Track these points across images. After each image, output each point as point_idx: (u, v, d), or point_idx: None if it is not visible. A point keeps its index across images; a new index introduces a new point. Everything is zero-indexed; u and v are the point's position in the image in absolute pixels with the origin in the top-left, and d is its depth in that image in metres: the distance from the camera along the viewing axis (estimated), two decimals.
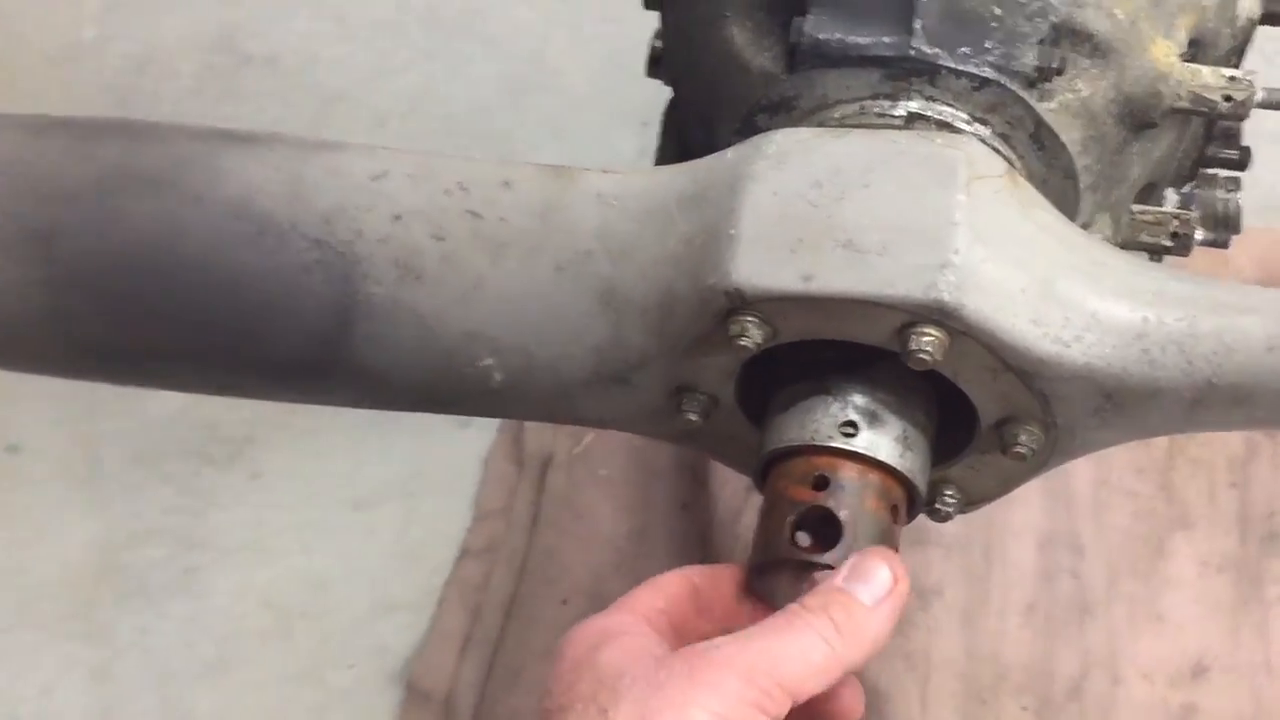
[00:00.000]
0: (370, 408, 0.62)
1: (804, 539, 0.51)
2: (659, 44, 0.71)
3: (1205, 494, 0.99)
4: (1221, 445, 1.00)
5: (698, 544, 1.01)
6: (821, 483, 0.51)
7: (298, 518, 1.14)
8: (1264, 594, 0.94)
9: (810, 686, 0.47)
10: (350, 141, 0.58)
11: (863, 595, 0.49)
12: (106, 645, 1.07)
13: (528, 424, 1.10)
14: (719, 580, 0.53)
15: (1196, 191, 0.66)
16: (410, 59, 1.41)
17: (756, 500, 0.98)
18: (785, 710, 0.46)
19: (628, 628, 0.49)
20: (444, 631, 1.00)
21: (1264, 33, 0.64)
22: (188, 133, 0.58)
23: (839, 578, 0.49)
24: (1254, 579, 0.95)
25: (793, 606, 0.49)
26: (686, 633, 0.51)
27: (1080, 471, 1.00)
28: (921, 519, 0.94)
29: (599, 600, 0.99)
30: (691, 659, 0.46)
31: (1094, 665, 0.92)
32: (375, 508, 1.14)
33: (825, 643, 0.47)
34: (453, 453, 1.13)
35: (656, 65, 0.71)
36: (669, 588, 0.52)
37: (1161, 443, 1.01)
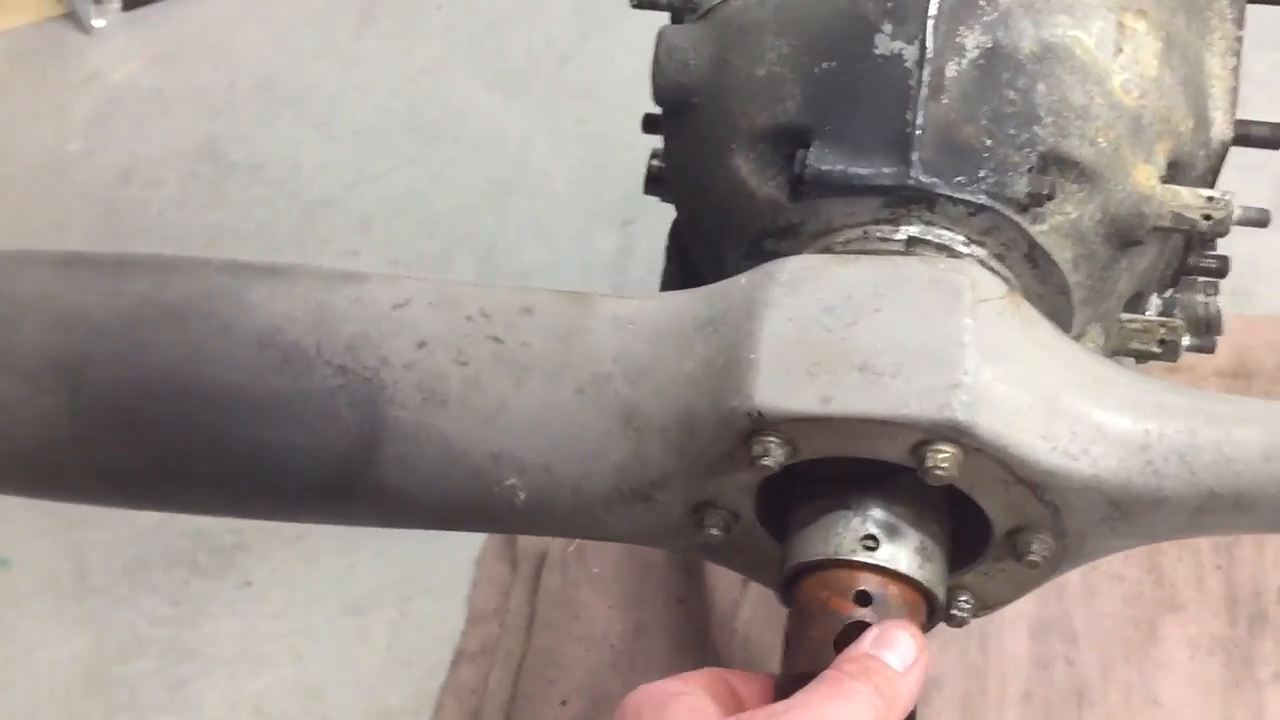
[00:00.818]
0: (394, 527, 0.64)
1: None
2: (657, 163, 0.74)
3: (1193, 577, 1.01)
4: None
5: (695, 639, 1.02)
6: (864, 598, 0.53)
7: (289, 625, 1.13)
8: (1256, 675, 0.96)
9: None
10: (372, 272, 0.60)
11: (893, 661, 0.51)
12: None
13: None
14: (752, 682, 0.55)
15: (1178, 296, 0.69)
16: (393, 163, 1.44)
17: (752, 594, 0.99)
18: None
19: (688, 690, 0.51)
20: None
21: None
22: (214, 265, 0.60)
23: (865, 644, 0.51)
24: (1245, 660, 0.96)
25: (833, 673, 0.50)
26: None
27: None
28: None
29: (598, 700, 0.99)
30: (758, 718, 0.48)
31: None
32: (368, 613, 1.13)
33: (872, 706, 0.49)
34: (445, 554, 1.13)
35: (654, 184, 0.74)
36: (705, 675, 0.54)
37: None
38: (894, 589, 0.53)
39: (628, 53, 1.39)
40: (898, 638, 0.52)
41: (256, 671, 1.11)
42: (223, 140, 1.47)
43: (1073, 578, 1.01)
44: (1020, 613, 0.99)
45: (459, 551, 1.13)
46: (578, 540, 1.08)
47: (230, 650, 1.12)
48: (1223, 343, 1.11)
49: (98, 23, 1.54)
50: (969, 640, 0.98)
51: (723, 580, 1.01)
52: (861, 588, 0.52)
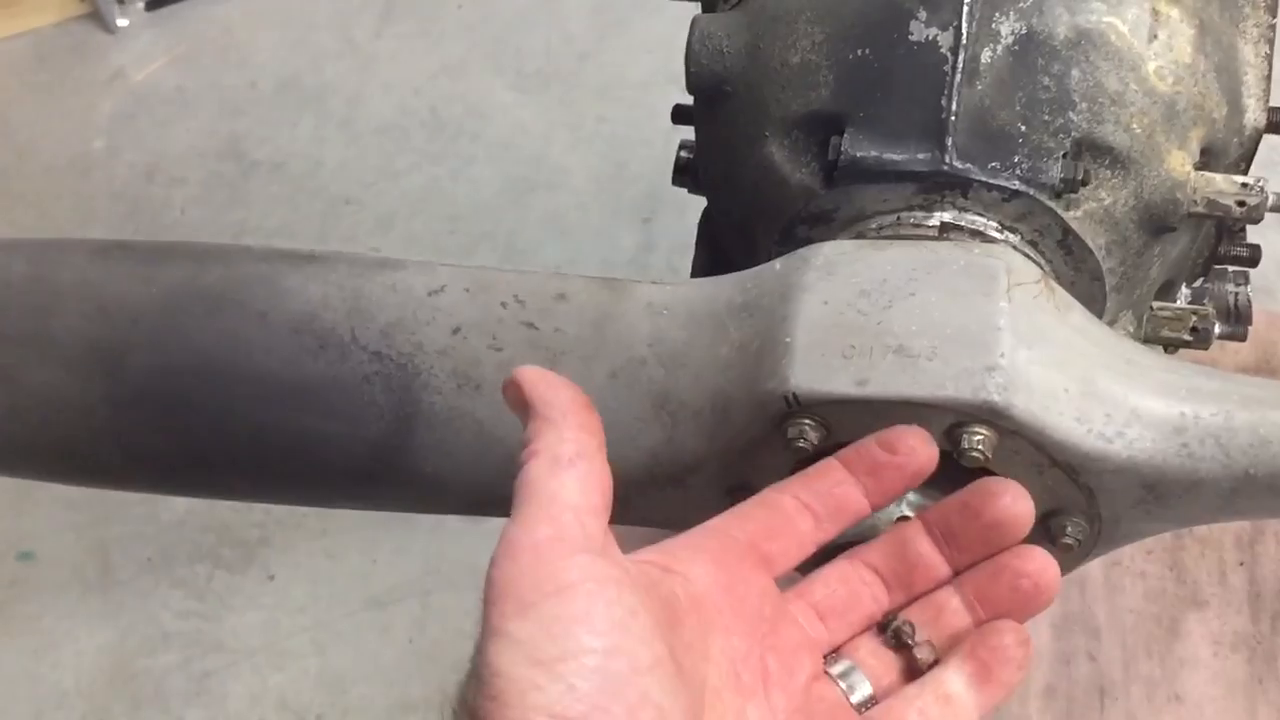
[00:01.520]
0: (425, 512, 0.64)
1: None
2: (685, 154, 0.74)
3: (1215, 573, 1.01)
4: (1229, 524, 1.03)
5: None
6: None
7: (312, 618, 1.14)
8: (1279, 671, 0.96)
9: None
10: (408, 259, 0.60)
11: None
12: None
13: None
14: None
15: (1207, 286, 0.69)
16: (414, 162, 1.45)
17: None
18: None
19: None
20: None
21: None
22: (251, 253, 0.60)
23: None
24: (1268, 657, 0.96)
25: None
26: None
27: None
28: None
29: None
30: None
31: None
32: (391, 606, 1.14)
33: None
34: (468, 548, 1.14)
35: (682, 174, 0.74)
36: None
37: None
38: None
39: (647, 51, 1.39)
40: None
41: (280, 664, 1.12)
42: (245, 139, 1.48)
43: (1095, 574, 1.01)
44: None
45: (480, 545, 1.13)
46: None
47: (254, 643, 1.13)
48: (1247, 341, 1.12)
49: (121, 22, 1.56)
50: None
51: None
52: None
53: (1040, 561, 0.49)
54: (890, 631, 0.49)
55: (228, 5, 1.58)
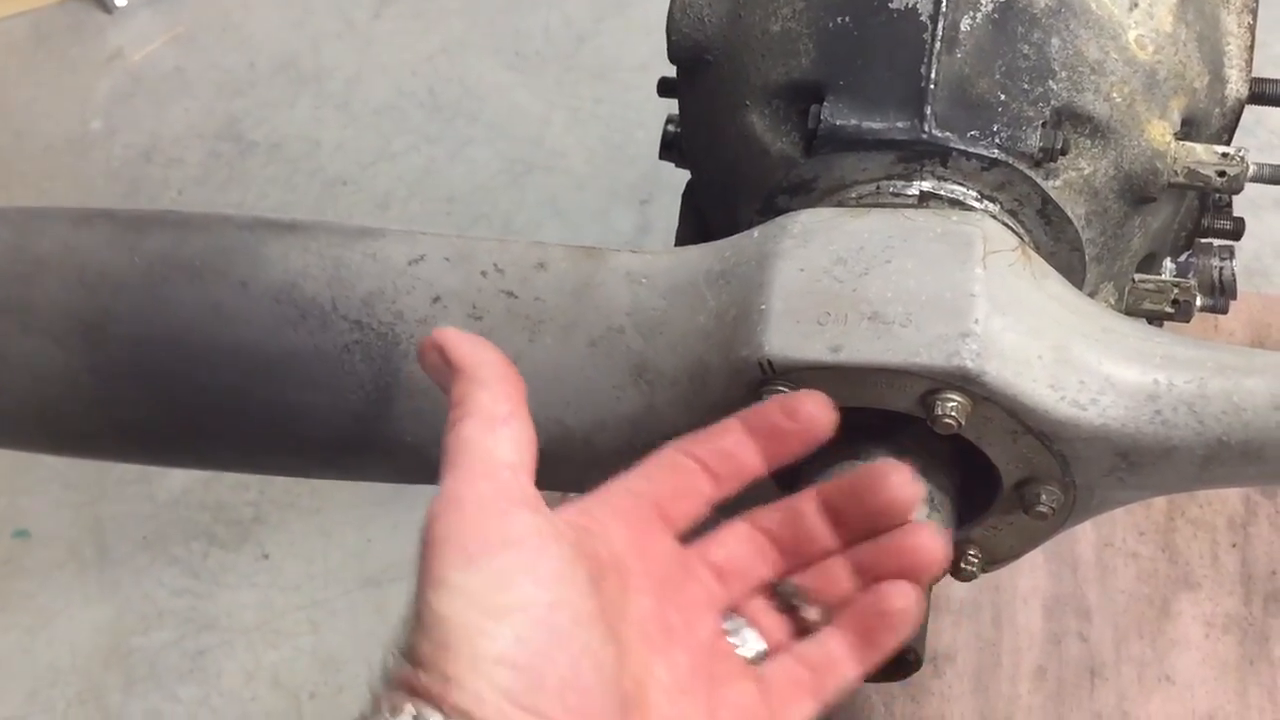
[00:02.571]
0: (407, 482, 0.64)
1: None
2: (672, 128, 0.74)
3: (1207, 555, 1.01)
4: (1221, 505, 1.02)
5: None
6: None
7: (307, 597, 1.14)
8: (1271, 653, 0.95)
9: None
10: (388, 228, 0.60)
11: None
12: None
13: None
14: None
15: (1192, 260, 0.69)
16: (411, 143, 1.45)
17: None
18: None
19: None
20: None
21: None
22: (233, 222, 0.60)
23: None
24: (1260, 638, 0.96)
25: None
26: None
27: (1083, 535, 1.02)
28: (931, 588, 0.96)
29: None
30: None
31: None
32: (385, 585, 1.14)
33: None
34: None
35: (669, 149, 0.74)
36: None
37: (1161, 504, 1.03)
38: None
39: (645, 33, 1.39)
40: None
41: (274, 642, 1.12)
42: (243, 119, 1.48)
43: (1087, 554, 1.01)
44: (1034, 588, 0.99)
45: None
46: None
47: (248, 621, 1.13)
48: (1240, 321, 1.11)
49: (120, 2, 1.56)
50: (982, 614, 0.98)
51: None
52: None
53: (925, 536, 0.48)
54: (781, 594, 0.49)
55: None
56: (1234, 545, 1.01)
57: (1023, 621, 0.98)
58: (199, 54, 1.52)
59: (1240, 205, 1.18)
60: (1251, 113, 1.33)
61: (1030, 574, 0.99)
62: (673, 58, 0.64)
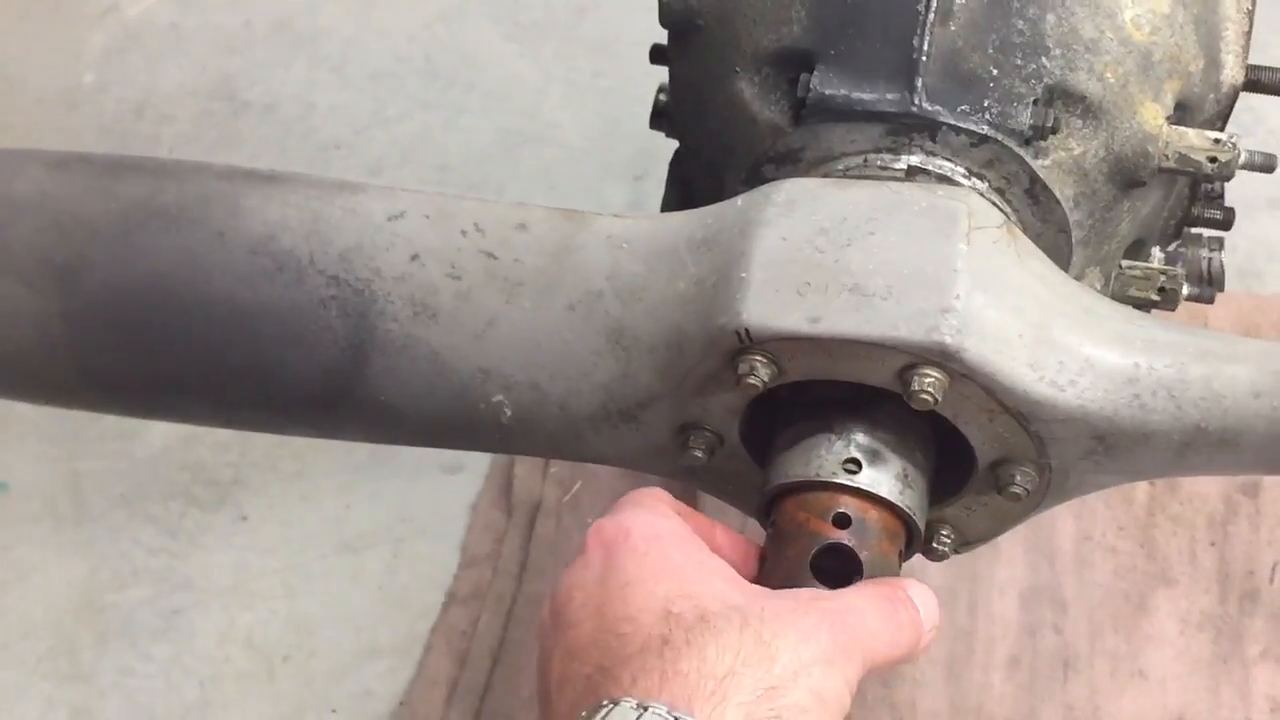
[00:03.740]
0: (380, 441, 0.63)
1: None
2: (663, 97, 0.73)
3: (1186, 552, 1.00)
4: (1201, 503, 1.02)
5: None
6: (844, 520, 0.52)
7: (283, 560, 1.13)
8: (1244, 652, 0.95)
9: (882, 661, 0.49)
10: (369, 183, 0.60)
11: (925, 620, 0.51)
12: (89, 686, 1.06)
13: (516, 472, 1.11)
14: (732, 540, 0.54)
15: (1181, 250, 0.68)
16: (407, 109, 1.44)
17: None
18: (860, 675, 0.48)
19: (699, 542, 0.50)
20: (430, 678, 1.00)
21: None
22: (211, 171, 0.60)
23: (911, 591, 0.51)
24: (1234, 637, 0.96)
25: (894, 595, 0.50)
26: None
27: (1063, 527, 1.01)
28: (906, 573, 0.96)
29: None
30: (826, 615, 0.47)
31: None
32: (362, 552, 1.14)
33: (910, 642, 0.49)
34: (441, 498, 1.14)
35: (660, 118, 0.74)
36: (690, 515, 0.53)
37: (1142, 500, 1.03)
38: (874, 514, 0.52)
39: (645, 7, 1.37)
40: (927, 598, 0.52)
41: (249, 604, 1.11)
42: (237, 79, 1.46)
43: (1065, 547, 1.00)
44: (1011, 579, 0.99)
45: (455, 495, 1.13)
46: (574, 490, 1.08)
47: (224, 583, 1.13)
48: (1231, 321, 1.11)
49: None
50: (957, 603, 0.98)
51: None
52: (841, 510, 0.52)
53: None
54: None
55: None
56: (1213, 543, 1.01)
57: (998, 611, 0.97)
58: (195, 11, 1.50)
59: (1235, 206, 1.17)
60: (1251, 111, 1.33)
61: (1008, 564, 0.99)
62: (663, 21, 0.63)
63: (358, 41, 1.49)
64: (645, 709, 0.43)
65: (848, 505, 0.52)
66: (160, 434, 1.19)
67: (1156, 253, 0.67)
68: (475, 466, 1.14)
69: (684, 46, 0.64)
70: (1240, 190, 1.19)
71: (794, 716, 0.44)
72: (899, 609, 0.50)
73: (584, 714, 0.44)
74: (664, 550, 0.48)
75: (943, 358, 0.49)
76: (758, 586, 0.49)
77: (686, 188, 0.71)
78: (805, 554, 0.51)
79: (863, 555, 0.51)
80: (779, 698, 0.44)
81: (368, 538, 1.14)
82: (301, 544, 1.14)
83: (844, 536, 0.51)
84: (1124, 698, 0.94)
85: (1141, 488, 1.02)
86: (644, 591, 0.47)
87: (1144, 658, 0.96)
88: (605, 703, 0.44)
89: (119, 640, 1.09)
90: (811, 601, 0.48)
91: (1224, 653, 0.96)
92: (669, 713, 0.43)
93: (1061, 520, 1.01)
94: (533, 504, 1.10)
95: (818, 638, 0.46)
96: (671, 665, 0.44)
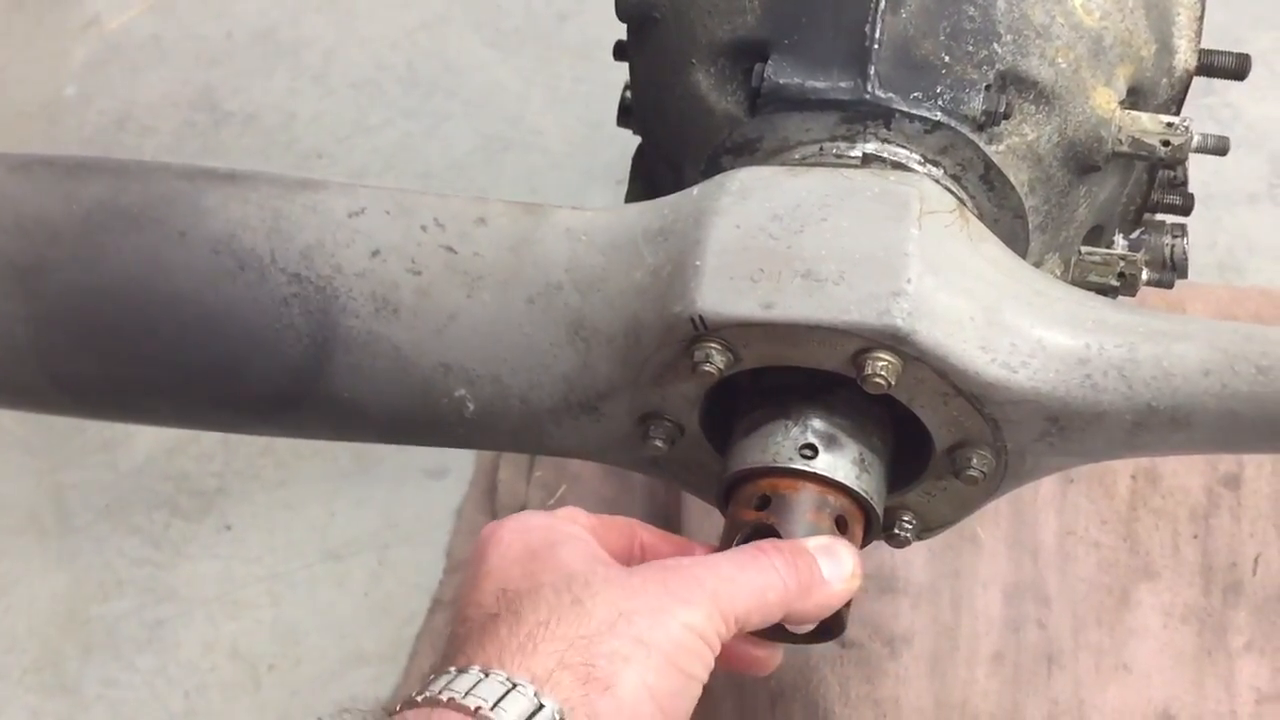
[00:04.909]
0: (345, 439, 0.64)
1: None
2: (629, 94, 0.73)
3: (1168, 545, 1.00)
4: (1183, 496, 1.02)
5: None
6: (764, 502, 0.53)
7: (268, 569, 1.13)
8: (1228, 644, 0.95)
9: (754, 622, 0.49)
10: (330, 180, 0.60)
11: (826, 570, 0.51)
12: (74, 698, 1.06)
13: (501, 476, 1.11)
14: (666, 547, 0.55)
15: (1144, 237, 0.68)
16: (388, 117, 1.44)
17: None
18: (731, 635, 0.49)
19: (579, 535, 0.51)
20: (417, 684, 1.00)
21: None
22: (172, 171, 0.60)
23: (809, 544, 0.51)
24: (1218, 629, 0.96)
25: (762, 544, 0.51)
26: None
27: (1045, 522, 1.01)
28: (890, 570, 0.95)
29: None
30: (664, 572, 0.48)
31: (1061, 714, 0.93)
32: (346, 559, 1.14)
33: (783, 587, 0.49)
34: (425, 504, 1.14)
35: (626, 115, 0.74)
36: (612, 524, 0.54)
37: (1124, 494, 1.02)
38: (832, 498, 0.52)
39: None
40: (839, 552, 0.52)
41: (234, 614, 1.11)
42: (218, 89, 1.47)
43: (1048, 541, 1.00)
44: (994, 574, 0.98)
45: (439, 500, 1.13)
46: (558, 494, 1.08)
47: (208, 592, 1.13)
48: (1209, 313, 1.11)
49: None
50: (940, 599, 0.97)
51: (698, 536, 1.01)
52: (763, 493, 0.52)
53: None
54: None
55: None
56: (1195, 536, 1.01)
57: (981, 607, 0.97)
58: (176, 22, 1.51)
59: (1214, 200, 1.18)
60: (1229, 107, 1.33)
61: (991, 560, 0.99)
62: (621, 14, 0.63)
63: (339, 50, 1.49)
64: (462, 673, 0.45)
65: (804, 490, 0.52)
66: (143, 444, 1.20)
67: (1119, 240, 0.67)
68: (459, 471, 1.14)
69: (642, 40, 0.65)
70: (1220, 185, 1.19)
71: (612, 664, 0.45)
72: (762, 558, 0.50)
73: (416, 694, 0.46)
74: (527, 542, 0.50)
75: (895, 341, 0.49)
76: (616, 565, 0.49)
77: (649, 181, 0.71)
78: (730, 543, 0.52)
79: (781, 530, 0.51)
80: (594, 645, 0.45)
81: (352, 545, 1.14)
82: (286, 552, 1.14)
83: (764, 517, 0.52)
84: (1108, 692, 0.94)
85: (1123, 481, 1.02)
86: (496, 578, 0.49)
87: (1128, 651, 0.95)
88: (431, 676, 0.46)
89: (104, 652, 1.09)
90: (653, 566, 0.49)
91: (1208, 645, 0.96)
92: (479, 670, 0.45)
93: (1044, 515, 1.01)
94: (517, 507, 1.09)
95: (645, 590, 0.47)
96: (491, 633, 0.46)
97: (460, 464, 1.14)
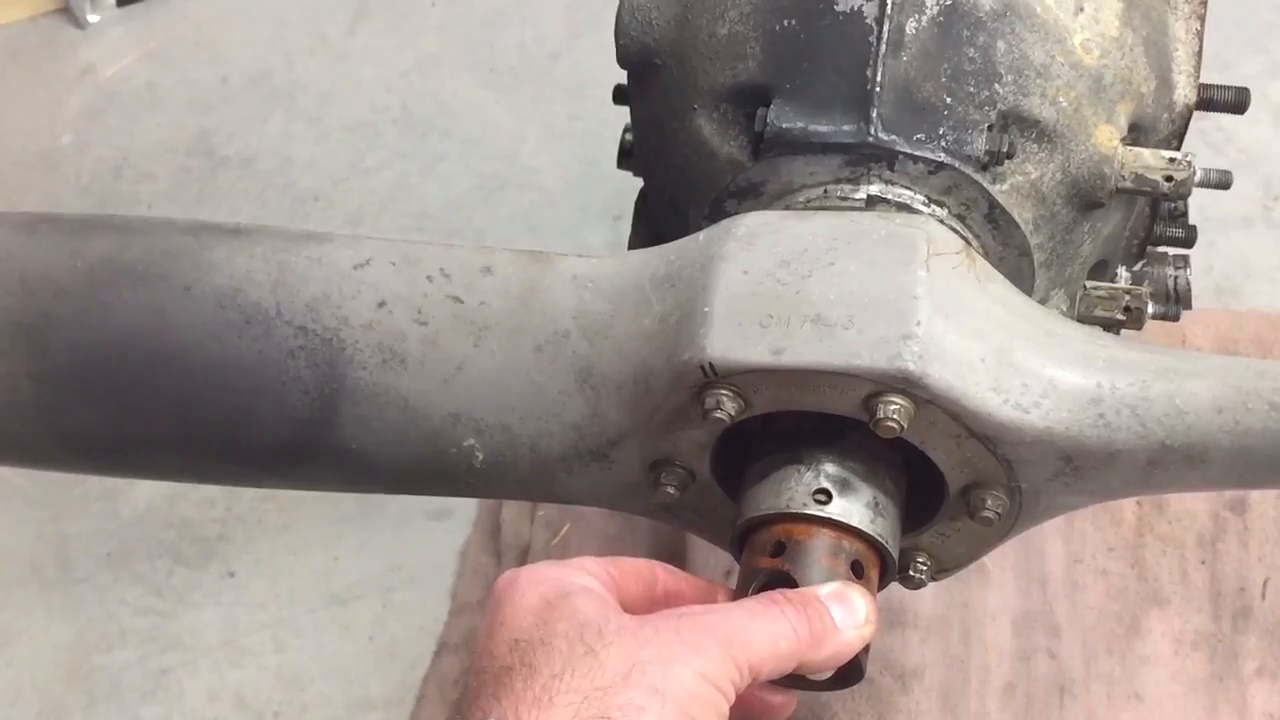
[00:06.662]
0: (354, 491, 0.63)
1: None
2: (629, 137, 0.74)
3: (1177, 571, 1.00)
4: (1190, 522, 1.02)
5: None
6: (778, 548, 0.52)
7: (272, 615, 1.13)
8: (1240, 670, 0.95)
9: (767, 671, 0.49)
10: (335, 232, 0.60)
11: (839, 618, 0.51)
12: None
13: (504, 516, 1.10)
14: (689, 588, 0.55)
15: (1147, 269, 0.68)
16: (384, 159, 1.44)
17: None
18: (745, 684, 0.49)
19: (591, 586, 0.51)
20: None
21: None
22: (176, 226, 0.60)
23: (821, 592, 0.51)
24: (1229, 655, 0.95)
25: (773, 594, 0.50)
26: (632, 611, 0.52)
27: (1053, 551, 1.01)
28: (899, 603, 0.95)
29: None
30: (676, 620, 0.48)
31: None
32: (351, 603, 1.13)
33: (795, 637, 0.49)
34: (429, 546, 1.13)
35: (626, 157, 0.74)
36: (630, 569, 0.54)
37: (1131, 521, 1.02)
38: (846, 543, 0.52)
39: None
40: (852, 597, 0.51)
41: (238, 661, 1.10)
42: (214, 135, 1.47)
43: (1056, 571, 1.00)
44: (1003, 605, 0.98)
45: (443, 542, 1.13)
46: (561, 534, 1.07)
47: (212, 640, 1.12)
48: (1209, 337, 1.11)
49: (92, 18, 1.55)
50: (951, 631, 0.97)
51: (704, 572, 1.01)
52: (778, 539, 0.52)
53: None
54: None
55: (199, 1, 1.58)
56: (1203, 562, 1.01)
57: (991, 638, 0.97)
58: (171, 69, 1.52)
59: (1209, 225, 1.18)
60: (1221, 130, 1.34)
61: (999, 591, 0.98)
62: (622, 62, 0.64)
63: (334, 93, 1.50)
64: None
65: (819, 535, 0.52)
66: (145, 493, 1.19)
67: (1122, 273, 0.67)
68: (463, 512, 1.13)
69: (644, 86, 0.65)
70: (1216, 209, 1.19)
71: (627, 716, 0.45)
72: (774, 608, 0.50)
73: None
74: (541, 592, 0.50)
75: (906, 384, 0.49)
76: (628, 615, 0.49)
77: (652, 225, 0.71)
78: (745, 591, 0.52)
79: (796, 576, 0.51)
80: (610, 697, 0.46)
81: (356, 589, 1.13)
82: (290, 598, 1.13)
83: (779, 564, 0.51)
84: None
85: (1129, 508, 1.02)
86: (510, 628, 0.49)
87: (1139, 680, 0.95)
88: None
89: (108, 703, 1.08)
90: (665, 615, 0.49)
91: (1219, 671, 0.95)
92: None
93: (1051, 544, 1.01)
94: (521, 548, 1.09)
95: (658, 639, 0.47)
96: (506, 686, 0.46)
97: (463, 505, 1.13)
